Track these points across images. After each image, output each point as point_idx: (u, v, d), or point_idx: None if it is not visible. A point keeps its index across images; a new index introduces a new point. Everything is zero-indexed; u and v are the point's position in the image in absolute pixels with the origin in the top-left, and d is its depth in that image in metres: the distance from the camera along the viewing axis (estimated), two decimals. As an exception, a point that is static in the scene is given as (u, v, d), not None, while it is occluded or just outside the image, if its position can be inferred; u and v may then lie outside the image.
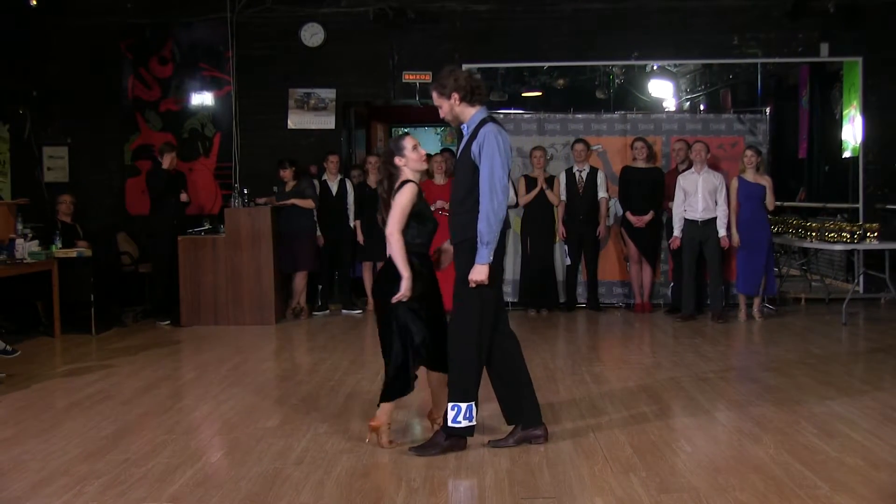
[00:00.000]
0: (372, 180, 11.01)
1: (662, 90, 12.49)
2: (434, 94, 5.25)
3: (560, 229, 10.84)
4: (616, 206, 10.89)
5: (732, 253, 10.19)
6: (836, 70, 12.09)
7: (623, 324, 10.23)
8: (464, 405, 5.13)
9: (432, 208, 10.46)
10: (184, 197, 10.67)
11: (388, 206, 5.30)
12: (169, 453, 5.29)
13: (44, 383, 7.44)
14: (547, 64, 12.04)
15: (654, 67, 12.24)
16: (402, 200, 5.19)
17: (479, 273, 5.11)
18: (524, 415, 5.38)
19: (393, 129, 16.93)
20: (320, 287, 11.13)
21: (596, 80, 12.12)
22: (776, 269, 11.20)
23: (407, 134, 5.44)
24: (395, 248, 5.22)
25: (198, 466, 5.06)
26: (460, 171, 5.23)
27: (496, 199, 5.01)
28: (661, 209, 10.52)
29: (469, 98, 5.18)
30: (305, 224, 10.65)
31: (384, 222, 5.32)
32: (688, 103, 12.78)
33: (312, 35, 11.85)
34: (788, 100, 13.12)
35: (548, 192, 10.73)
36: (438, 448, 5.18)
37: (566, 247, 10.86)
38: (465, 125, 5.23)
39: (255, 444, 5.46)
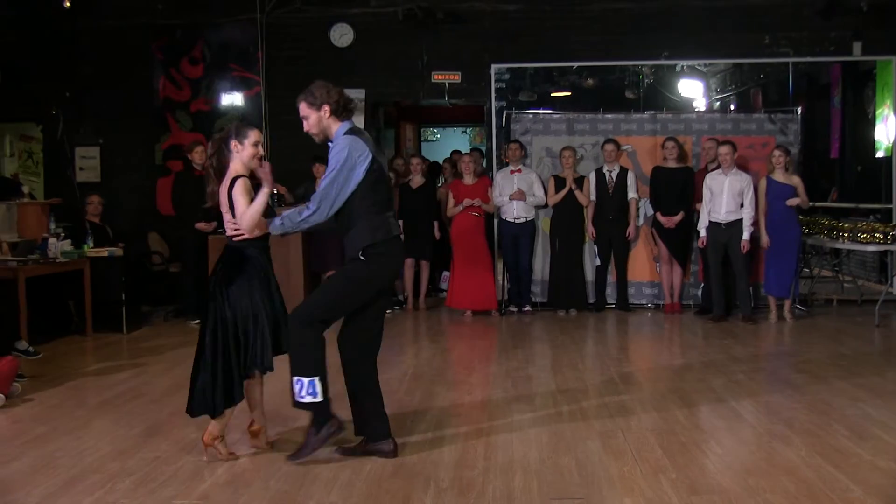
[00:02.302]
0: (415, 181, 11.03)
1: (692, 90, 12.40)
2: (302, 105, 5.15)
3: (589, 229, 10.81)
4: (646, 207, 10.84)
5: (761, 254, 10.12)
6: (869, 69, 11.97)
7: (653, 324, 10.19)
8: (305, 380, 4.99)
9: (460, 207, 10.56)
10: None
11: (218, 181, 5.24)
12: (199, 451, 5.31)
13: (76, 381, 7.51)
14: (576, 64, 11.99)
15: (684, 67, 12.16)
16: (239, 197, 5.08)
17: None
18: (370, 428, 5.25)
19: (422, 129, 16.97)
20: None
21: (625, 80, 12.05)
22: (807, 270, 11.11)
23: (257, 128, 5.35)
24: (252, 219, 5.07)
25: (227, 465, 5.09)
26: None
27: (318, 212, 4.99)
28: (692, 209, 10.46)
29: (339, 112, 5.11)
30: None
31: (208, 195, 5.27)
32: (718, 103, 12.68)
33: (342, 35, 11.89)
34: (820, 99, 13.00)
35: (577, 193, 10.70)
36: (311, 447, 5.09)
37: (596, 247, 10.83)
38: (332, 142, 5.15)
39: (284, 443, 5.48)
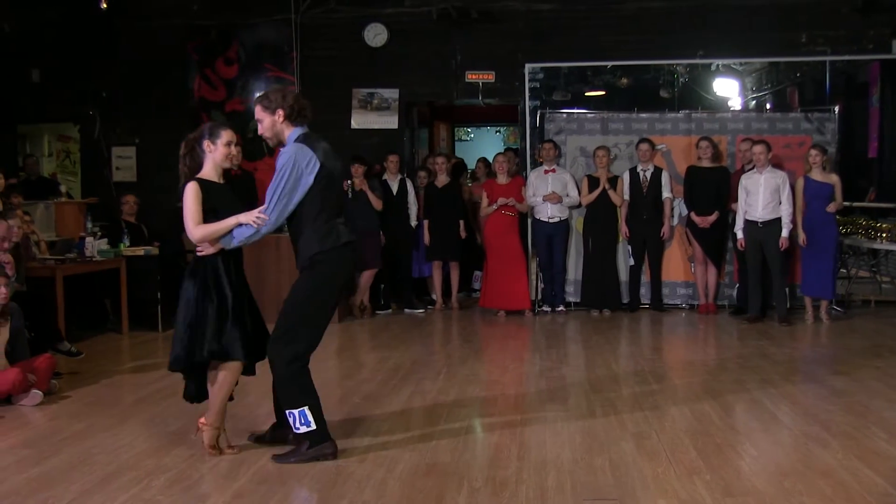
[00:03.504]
0: (440, 180, 11.05)
1: (728, 89, 12.31)
2: (257, 108, 5.14)
3: (623, 229, 10.77)
4: (680, 207, 10.78)
5: (798, 254, 10.03)
6: (909, 67, 11.83)
7: (687, 325, 10.12)
8: (296, 411, 5.02)
9: (494, 206, 10.55)
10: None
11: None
12: (233, 449, 5.35)
13: (112, 379, 7.58)
14: (610, 63, 11.93)
15: (719, 66, 12.07)
16: (186, 200, 5.06)
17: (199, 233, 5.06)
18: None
19: (455, 129, 16.96)
20: (382, 286, 11.17)
21: (660, 79, 11.98)
22: (844, 271, 10.99)
23: (230, 128, 5.32)
24: (203, 235, 5.05)
25: (261, 463, 5.11)
26: None
27: (267, 221, 4.99)
28: (727, 209, 10.39)
29: (293, 117, 5.09)
30: (371, 223, 10.65)
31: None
32: (754, 102, 12.58)
33: (376, 35, 11.92)
34: (858, 98, 12.84)
35: (610, 192, 10.66)
36: (300, 456, 5.07)
37: (629, 247, 10.79)
38: (284, 147, 5.14)
39: (318, 442, 5.50)
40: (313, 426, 5.04)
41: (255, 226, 4.98)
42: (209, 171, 5.22)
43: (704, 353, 8.72)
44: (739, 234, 9.96)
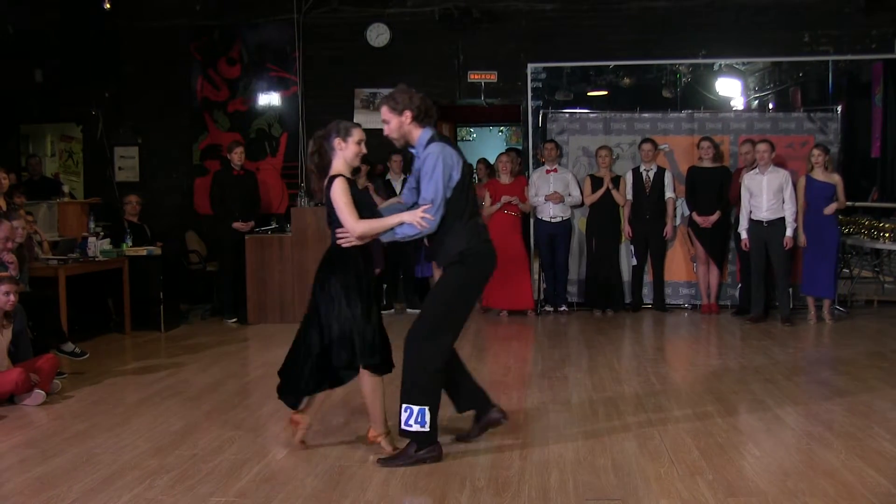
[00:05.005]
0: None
1: (730, 88, 12.29)
2: (384, 109, 5.14)
3: (626, 229, 10.78)
4: (683, 207, 10.78)
5: (799, 253, 10.02)
6: (912, 66, 11.81)
7: (689, 325, 10.12)
8: (416, 408, 5.01)
9: (497, 205, 10.55)
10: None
11: (319, 179, 5.20)
12: (236, 449, 5.36)
13: (115, 379, 7.59)
14: (613, 63, 11.93)
15: (722, 65, 12.06)
16: (338, 196, 5.03)
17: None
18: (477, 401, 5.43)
19: (458, 129, 16.95)
20: (384, 286, 11.17)
21: (662, 79, 11.97)
22: (847, 271, 10.98)
23: (359, 125, 5.29)
24: (366, 230, 5.04)
25: (264, 463, 5.12)
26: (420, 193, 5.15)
27: (435, 219, 5.00)
28: (728, 209, 10.39)
29: (421, 118, 5.10)
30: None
31: (312, 193, 5.19)
32: (756, 102, 12.57)
33: (378, 35, 11.91)
34: (861, 97, 12.82)
35: (613, 192, 10.66)
36: (407, 459, 5.04)
37: (632, 247, 10.79)
38: (414, 148, 5.16)
39: (320, 442, 5.50)
40: (427, 428, 5.02)
41: (420, 227, 4.98)
42: (340, 168, 5.17)
43: (707, 353, 8.71)
44: (744, 235, 9.95)
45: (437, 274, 10.99)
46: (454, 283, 5.13)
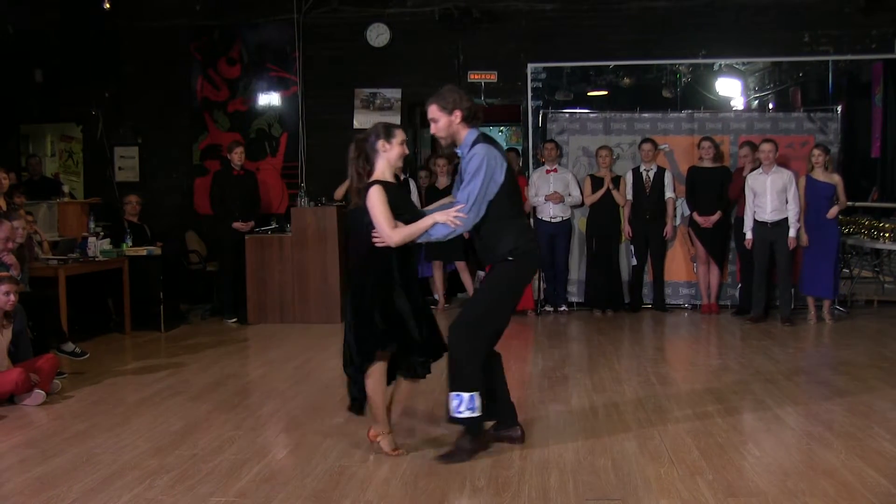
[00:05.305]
0: (441, 182, 11.05)
1: (730, 88, 12.29)
2: (433, 107, 5.15)
3: (626, 229, 10.78)
4: (683, 207, 10.78)
5: (800, 253, 10.02)
6: (912, 66, 11.81)
7: (689, 325, 10.12)
8: (466, 395, 5.04)
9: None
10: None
11: (361, 183, 5.16)
12: (236, 449, 5.36)
13: (115, 379, 7.59)
14: (613, 63, 11.93)
15: (722, 65, 12.06)
16: (374, 206, 5.01)
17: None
18: (505, 415, 5.46)
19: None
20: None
21: (663, 79, 11.97)
22: (847, 271, 10.98)
23: (400, 126, 5.33)
24: (402, 238, 5.03)
25: (264, 462, 5.12)
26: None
27: (467, 220, 5.02)
28: (729, 209, 10.39)
29: (469, 119, 5.14)
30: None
31: (358, 195, 5.17)
32: (756, 102, 12.57)
33: (378, 35, 11.91)
34: (861, 97, 12.82)
35: (614, 192, 10.67)
36: (462, 453, 5.10)
37: (632, 247, 10.79)
38: (460, 148, 5.19)
39: (321, 442, 5.51)
40: (477, 413, 5.08)
41: (453, 226, 5.01)
42: (384, 170, 5.16)
43: (707, 353, 8.72)
44: (749, 234, 9.94)
45: (437, 275, 11.07)
46: (504, 279, 5.21)
